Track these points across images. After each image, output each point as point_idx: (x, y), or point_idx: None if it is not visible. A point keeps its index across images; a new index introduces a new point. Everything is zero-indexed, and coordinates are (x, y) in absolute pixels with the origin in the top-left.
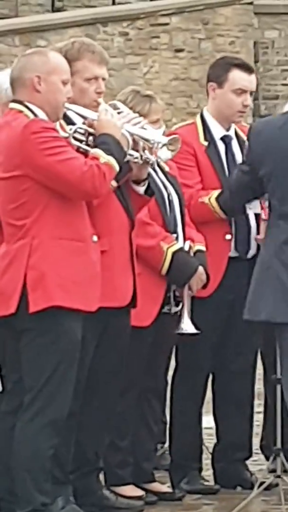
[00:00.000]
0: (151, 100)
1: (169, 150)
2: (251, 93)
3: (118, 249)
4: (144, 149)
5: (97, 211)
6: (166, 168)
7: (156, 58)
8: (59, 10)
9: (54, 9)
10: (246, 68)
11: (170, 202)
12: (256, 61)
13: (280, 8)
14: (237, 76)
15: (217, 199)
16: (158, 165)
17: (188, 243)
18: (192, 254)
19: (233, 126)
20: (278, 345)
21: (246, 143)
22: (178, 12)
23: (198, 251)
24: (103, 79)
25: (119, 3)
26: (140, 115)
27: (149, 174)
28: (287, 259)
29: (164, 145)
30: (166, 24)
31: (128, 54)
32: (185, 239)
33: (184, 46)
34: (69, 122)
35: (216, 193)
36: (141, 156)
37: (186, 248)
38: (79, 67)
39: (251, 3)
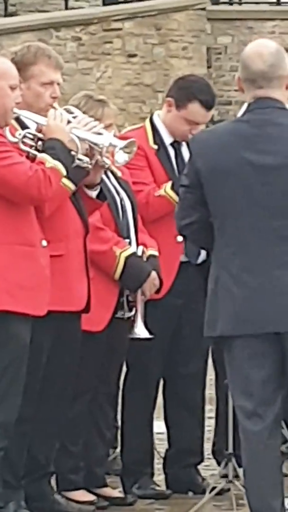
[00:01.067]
0: (104, 105)
1: (126, 153)
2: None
3: (74, 253)
4: (100, 154)
5: (53, 215)
6: (119, 174)
7: (109, 63)
8: (12, 14)
9: (7, 14)
10: (207, 105)
11: (123, 207)
12: (208, 67)
13: (233, 14)
14: (195, 110)
15: (172, 188)
16: (111, 170)
17: (141, 248)
18: (145, 259)
19: None
20: (226, 359)
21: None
22: (131, 17)
23: (151, 256)
24: (58, 84)
25: (72, 8)
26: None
27: (101, 179)
28: (234, 269)
29: (120, 148)
30: (119, 29)
31: (81, 59)
32: (138, 244)
33: (137, 51)
34: (24, 126)
35: (169, 183)
36: (96, 160)
37: (139, 253)
38: (35, 72)
39: (204, 9)
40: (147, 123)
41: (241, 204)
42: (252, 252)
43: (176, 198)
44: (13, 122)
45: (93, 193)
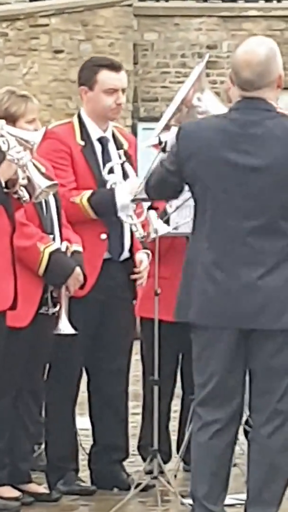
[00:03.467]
0: (27, 100)
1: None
2: (123, 91)
3: None
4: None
5: None
6: (42, 169)
7: (35, 59)
8: None
9: None
10: (113, 67)
11: (47, 203)
12: (135, 63)
13: (160, 11)
14: (105, 77)
15: (88, 199)
16: (34, 165)
17: (65, 243)
18: (69, 254)
19: (111, 127)
20: (193, 348)
21: (168, 141)
22: (58, 13)
23: (75, 251)
24: None
25: None
26: (16, 116)
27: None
28: (206, 263)
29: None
30: (46, 25)
31: (8, 54)
32: (62, 239)
33: (64, 47)
34: None
35: (88, 193)
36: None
37: (63, 248)
38: None
39: (130, 5)
40: (75, 119)
41: (217, 200)
42: (223, 249)
43: (90, 210)
44: None
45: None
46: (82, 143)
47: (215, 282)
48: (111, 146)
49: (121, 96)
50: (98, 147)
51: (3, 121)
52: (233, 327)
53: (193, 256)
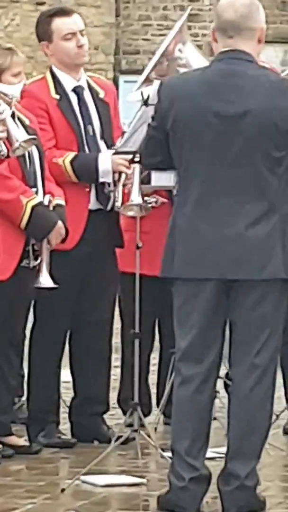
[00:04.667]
0: (12, 53)
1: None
2: (81, 33)
3: None
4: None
5: None
6: (26, 122)
7: (17, 11)
8: None
9: None
10: (64, 12)
11: (30, 156)
12: (117, 16)
13: None
14: (59, 24)
15: (71, 162)
16: (19, 119)
17: (47, 197)
18: (51, 208)
19: (84, 77)
20: (175, 301)
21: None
22: None
23: (58, 205)
24: None
25: None
26: (1, 69)
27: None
28: (189, 214)
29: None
30: None
31: None
32: (44, 193)
33: None
34: None
35: (71, 155)
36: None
37: (46, 202)
38: None
39: None
40: (48, 73)
41: (201, 151)
42: (207, 199)
43: (71, 173)
44: None
45: None
46: (57, 96)
47: (198, 233)
48: (87, 94)
49: (80, 38)
50: (74, 98)
51: None
52: (216, 277)
53: (176, 211)
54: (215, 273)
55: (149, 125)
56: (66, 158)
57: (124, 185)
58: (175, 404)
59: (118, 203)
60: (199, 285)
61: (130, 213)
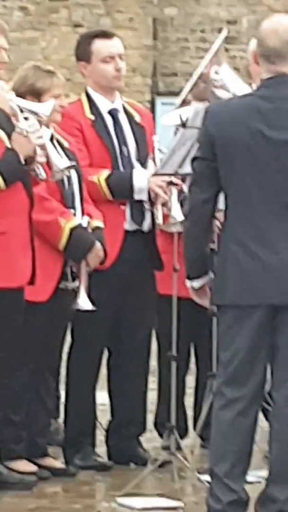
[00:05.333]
0: (52, 75)
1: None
2: (120, 57)
3: (17, 230)
4: (40, 123)
5: None
6: (65, 144)
7: (55, 33)
8: None
9: None
10: (106, 35)
11: (69, 177)
12: (155, 38)
13: None
14: (100, 46)
15: (106, 180)
16: (58, 141)
17: (86, 218)
18: (90, 230)
19: (120, 100)
20: (221, 327)
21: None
22: None
23: (96, 227)
24: (4, 49)
25: None
26: (42, 91)
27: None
28: (243, 241)
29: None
30: None
31: (27, 28)
32: (83, 215)
33: (83, 22)
34: None
35: (106, 172)
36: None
37: (84, 224)
38: None
39: None
40: (83, 95)
41: (253, 177)
42: (261, 225)
43: (106, 190)
44: None
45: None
46: (92, 117)
47: (252, 258)
48: (122, 117)
49: (119, 62)
50: (109, 119)
51: (12, 93)
52: (268, 303)
53: (227, 237)
54: (268, 299)
55: (194, 159)
56: (101, 176)
57: (163, 204)
58: (216, 427)
59: (159, 221)
60: (248, 310)
61: (172, 229)
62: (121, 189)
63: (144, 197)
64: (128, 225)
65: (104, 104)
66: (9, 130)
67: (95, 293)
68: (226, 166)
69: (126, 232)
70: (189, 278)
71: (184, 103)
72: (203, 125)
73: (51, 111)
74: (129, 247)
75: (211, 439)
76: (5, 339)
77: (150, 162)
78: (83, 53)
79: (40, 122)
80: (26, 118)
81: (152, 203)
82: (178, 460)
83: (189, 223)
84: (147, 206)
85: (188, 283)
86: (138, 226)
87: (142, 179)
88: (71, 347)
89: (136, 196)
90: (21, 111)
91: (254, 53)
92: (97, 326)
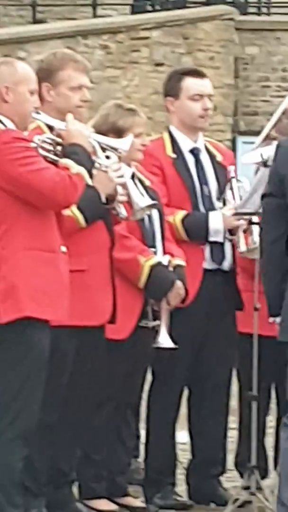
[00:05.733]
0: (134, 113)
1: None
2: (209, 98)
3: (97, 268)
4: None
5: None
6: (147, 182)
7: (136, 72)
8: (40, 21)
9: (35, 21)
10: (197, 74)
11: (150, 216)
12: (236, 77)
13: (261, 25)
14: (190, 83)
15: (182, 220)
16: (139, 179)
17: (167, 257)
18: (171, 268)
19: (202, 139)
20: None
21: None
22: (159, 26)
23: (178, 265)
24: (86, 87)
25: (100, 16)
26: (123, 129)
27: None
28: None
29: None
30: (147, 38)
31: (108, 67)
32: (164, 253)
33: (164, 60)
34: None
35: (182, 213)
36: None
37: (165, 262)
38: (63, 77)
39: (232, 19)
40: (165, 133)
41: None
42: None
43: (182, 231)
44: (43, 126)
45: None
46: (174, 155)
47: None
48: (204, 156)
49: (207, 102)
50: (190, 158)
51: (91, 129)
52: None
53: None
54: None
55: (263, 196)
56: (176, 216)
57: (244, 231)
58: (283, 455)
59: (241, 249)
60: None
61: (255, 256)
62: (197, 230)
63: (220, 238)
64: (208, 264)
65: (186, 143)
66: (90, 167)
67: (176, 331)
68: None
69: (206, 271)
70: (271, 315)
71: (267, 139)
72: (273, 161)
73: (130, 146)
74: (209, 286)
75: (280, 468)
76: (86, 377)
77: (228, 192)
78: (172, 88)
79: (120, 159)
80: (107, 157)
81: (232, 233)
82: (259, 500)
83: (265, 261)
84: (228, 236)
85: (271, 319)
86: (218, 266)
87: (218, 221)
88: (151, 386)
89: (212, 238)
90: (102, 148)
91: None
92: (178, 364)
